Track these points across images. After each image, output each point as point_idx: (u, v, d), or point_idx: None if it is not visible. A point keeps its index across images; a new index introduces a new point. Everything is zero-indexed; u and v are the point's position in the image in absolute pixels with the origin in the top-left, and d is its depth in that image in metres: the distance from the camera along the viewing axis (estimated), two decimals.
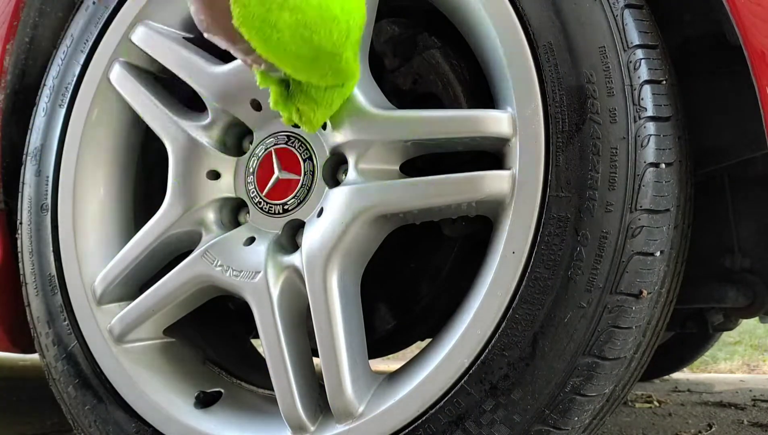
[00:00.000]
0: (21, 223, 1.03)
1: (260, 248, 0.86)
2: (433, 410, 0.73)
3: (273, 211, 0.88)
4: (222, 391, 0.96)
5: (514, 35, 0.74)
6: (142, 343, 0.96)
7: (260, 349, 0.92)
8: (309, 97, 0.74)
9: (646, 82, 0.69)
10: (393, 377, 0.81)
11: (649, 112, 0.69)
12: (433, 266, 0.99)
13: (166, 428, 0.89)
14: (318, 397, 0.83)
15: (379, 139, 0.78)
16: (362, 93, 0.80)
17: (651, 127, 0.68)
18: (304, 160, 0.86)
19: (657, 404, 1.94)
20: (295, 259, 0.83)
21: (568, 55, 0.71)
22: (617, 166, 0.68)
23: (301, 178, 0.86)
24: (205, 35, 0.68)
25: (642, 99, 0.69)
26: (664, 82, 0.70)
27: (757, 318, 1.25)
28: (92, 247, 0.99)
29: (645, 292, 0.68)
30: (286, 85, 0.75)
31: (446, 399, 0.73)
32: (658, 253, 0.69)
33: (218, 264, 0.87)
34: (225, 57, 0.94)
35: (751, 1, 0.68)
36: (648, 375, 2.36)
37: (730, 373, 3.15)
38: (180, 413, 0.90)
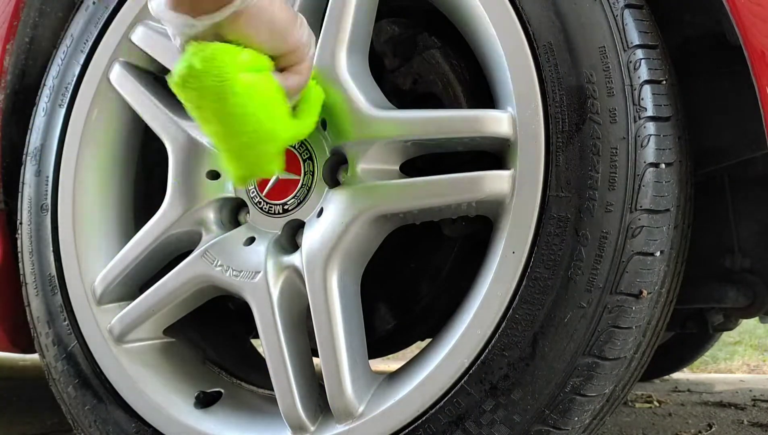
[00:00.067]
0: (21, 223, 1.03)
1: (260, 248, 0.86)
2: (433, 410, 0.73)
3: (273, 211, 0.88)
4: (222, 391, 0.96)
5: (514, 35, 0.74)
6: (142, 343, 0.96)
7: (260, 349, 0.92)
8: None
9: (646, 82, 0.69)
10: (393, 377, 0.81)
11: (649, 112, 0.69)
12: (433, 266, 0.99)
13: (166, 428, 0.89)
14: (318, 397, 0.83)
15: (379, 139, 0.78)
16: (362, 93, 0.80)
17: (651, 127, 0.68)
18: (304, 161, 0.86)
19: (657, 404, 1.94)
20: (295, 259, 0.83)
21: (568, 55, 0.71)
22: (617, 166, 0.68)
23: (301, 178, 0.86)
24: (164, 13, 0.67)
25: (642, 99, 0.69)
26: (664, 82, 0.70)
27: (757, 318, 1.25)
28: (92, 247, 0.99)
29: (645, 292, 0.68)
30: None
31: (446, 399, 0.73)
32: (658, 253, 0.69)
33: (218, 264, 0.87)
34: None
35: (751, 1, 0.68)
36: (648, 375, 2.36)
37: (730, 373, 3.15)
38: (180, 413, 0.90)
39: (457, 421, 0.72)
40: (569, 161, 0.70)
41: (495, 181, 0.73)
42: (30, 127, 1.05)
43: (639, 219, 0.68)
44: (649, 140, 0.68)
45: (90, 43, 1.01)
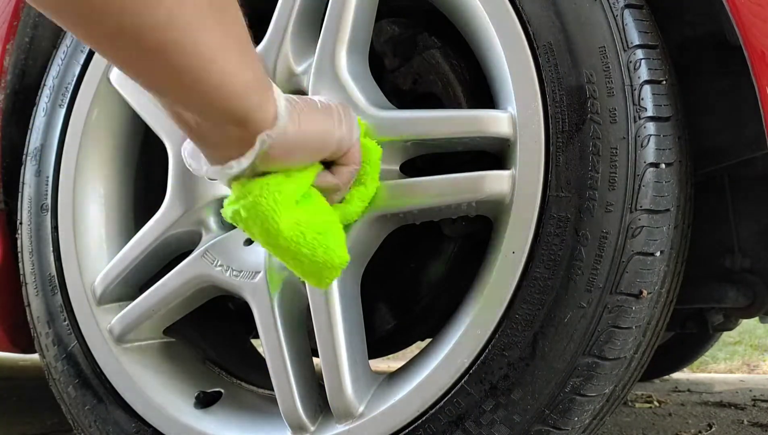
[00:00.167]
0: (21, 223, 1.03)
1: (260, 248, 0.86)
2: (433, 410, 0.73)
3: None
4: (222, 391, 0.96)
5: (514, 35, 0.74)
6: (142, 343, 0.96)
7: (260, 349, 0.92)
8: None
9: (646, 82, 0.69)
10: (393, 377, 0.81)
11: (649, 112, 0.69)
12: (433, 266, 0.99)
13: (166, 428, 0.89)
14: (318, 397, 0.83)
15: (379, 139, 0.78)
16: (362, 93, 0.80)
17: (651, 127, 0.68)
18: None
19: (657, 404, 1.94)
20: None
21: (568, 55, 0.71)
22: (617, 166, 0.68)
23: None
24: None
25: (642, 99, 0.69)
26: (664, 82, 0.70)
27: (757, 318, 1.25)
28: (92, 247, 0.99)
29: (645, 292, 0.68)
30: None
31: (446, 399, 0.73)
32: (658, 253, 0.69)
33: (218, 264, 0.87)
34: None
35: (751, 1, 0.68)
36: (648, 375, 2.36)
37: (730, 373, 3.15)
38: (180, 413, 0.90)
39: (457, 421, 0.72)
40: (569, 161, 0.70)
41: (495, 181, 0.73)
42: (30, 127, 1.05)
43: (639, 219, 0.68)
44: (649, 140, 0.68)
45: None
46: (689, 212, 0.76)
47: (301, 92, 0.86)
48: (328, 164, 0.70)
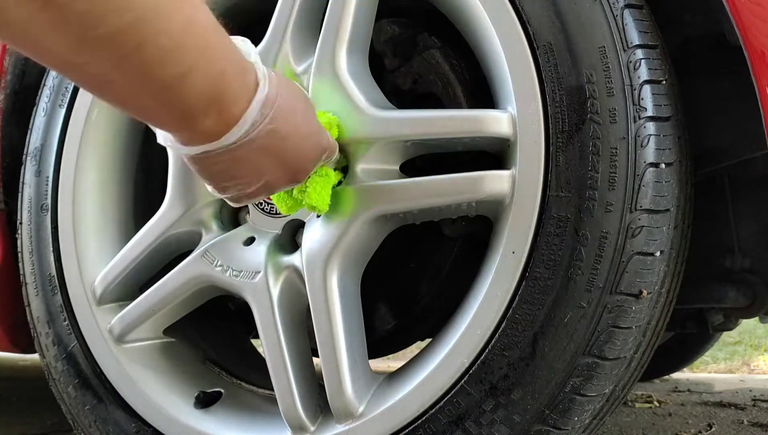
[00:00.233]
0: (21, 223, 1.03)
1: (260, 248, 0.86)
2: (433, 410, 0.73)
3: (273, 211, 0.88)
4: (222, 391, 0.96)
5: (514, 35, 0.74)
6: (142, 343, 0.96)
7: (260, 349, 0.92)
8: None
9: (646, 82, 0.69)
10: (393, 377, 0.81)
11: (649, 112, 0.69)
12: (433, 266, 0.99)
13: (166, 428, 0.89)
14: (318, 397, 0.83)
15: (379, 139, 0.78)
16: (362, 93, 0.80)
17: (651, 127, 0.68)
18: None
19: (657, 404, 1.94)
20: (295, 259, 0.83)
21: (568, 55, 0.71)
22: (617, 166, 0.68)
23: None
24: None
25: (642, 99, 0.69)
26: (664, 82, 0.70)
27: (757, 318, 1.25)
28: (92, 247, 0.99)
29: (645, 292, 0.68)
30: None
31: (446, 399, 0.73)
32: (658, 253, 0.69)
33: (218, 264, 0.87)
34: None
35: (751, 1, 0.68)
36: (648, 375, 2.36)
37: (730, 373, 3.15)
38: (180, 413, 0.90)
39: (457, 421, 0.72)
40: (569, 161, 0.70)
41: (495, 181, 0.73)
42: (30, 127, 1.05)
43: (639, 219, 0.68)
44: (649, 140, 0.68)
45: None
46: (689, 212, 0.76)
47: None
48: None
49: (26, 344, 1.07)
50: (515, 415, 0.70)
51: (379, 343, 1.03)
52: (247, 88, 0.57)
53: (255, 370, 1.02)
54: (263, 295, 0.83)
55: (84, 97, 1.01)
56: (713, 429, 1.56)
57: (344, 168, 0.83)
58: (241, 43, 0.59)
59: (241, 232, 0.89)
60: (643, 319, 0.70)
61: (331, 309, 0.78)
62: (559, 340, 0.69)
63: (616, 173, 0.68)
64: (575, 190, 0.69)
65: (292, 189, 0.74)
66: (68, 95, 1.01)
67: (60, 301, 0.98)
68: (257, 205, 0.89)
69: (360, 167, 0.79)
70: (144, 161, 1.07)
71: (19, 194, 1.04)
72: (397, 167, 0.81)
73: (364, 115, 0.79)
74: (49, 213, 1.00)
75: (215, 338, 1.04)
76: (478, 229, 0.88)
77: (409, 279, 1.01)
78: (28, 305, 1.01)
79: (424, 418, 0.74)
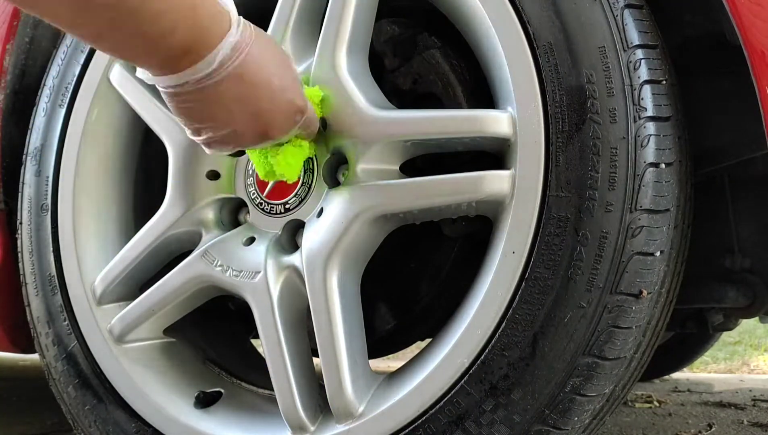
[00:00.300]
0: (21, 223, 1.03)
1: (260, 248, 0.86)
2: (433, 410, 0.73)
3: (273, 211, 0.88)
4: (222, 391, 0.96)
5: (514, 35, 0.74)
6: (142, 343, 0.96)
7: (260, 349, 0.92)
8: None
9: (646, 82, 0.69)
10: (393, 377, 0.81)
11: (649, 112, 0.69)
12: (433, 266, 0.99)
13: (166, 428, 0.89)
14: (318, 397, 0.83)
15: (379, 139, 0.78)
16: (362, 93, 0.80)
17: (651, 127, 0.68)
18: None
19: (657, 404, 1.94)
20: (295, 259, 0.83)
21: (568, 55, 0.71)
22: (617, 166, 0.68)
23: (302, 176, 0.86)
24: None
25: (642, 99, 0.69)
26: (664, 82, 0.70)
27: (757, 318, 1.25)
28: (92, 247, 0.99)
29: (645, 292, 0.68)
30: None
31: (446, 399, 0.73)
32: (658, 253, 0.69)
33: (218, 264, 0.87)
34: None
35: (751, 1, 0.68)
36: (648, 375, 2.36)
37: (730, 373, 3.15)
38: (180, 413, 0.90)
39: (457, 421, 0.72)
40: (569, 161, 0.70)
41: (495, 181, 0.73)
42: (30, 127, 1.05)
43: (639, 219, 0.68)
44: (649, 140, 0.68)
45: None
46: (689, 212, 0.76)
47: None
48: None
49: (26, 344, 1.07)
50: (515, 415, 0.70)
51: (379, 343, 1.03)
52: (220, 31, 0.61)
53: (255, 370, 1.03)
54: (263, 295, 0.83)
55: (84, 97, 1.01)
56: (713, 429, 1.56)
57: (342, 166, 0.83)
58: None
59: (241, 232, 0.89)
60: (643, 319, 0.70)
61: (331, 309, 0.78)
62: (559, 340, 0.69)
63: (616, 173, 0.68)
64: (575, 190, 0.69)
65: (267, 153, 0.76)
66: (68, 95, 1.02)
67: (60, 301, 0.98)
68: (257, 205, 0.89)
69: (360, 167, 0.79)
70: (144, 161, 1.07)
71: (19, 194, 1.04)
72: (397, 167, 0.81)
73: (364, 115, 0.79)
74: (49, 213, 1.00)
75: (215, 338, 1.04)
76: (478, 229, 0.88)
77: (409, 279, 1.01)
78: (28, 305, 1.01)
79: (424, 418, 0.74)
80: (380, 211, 0.78)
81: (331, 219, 0.80)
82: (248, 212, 0.91)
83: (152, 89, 0.97)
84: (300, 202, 0.86)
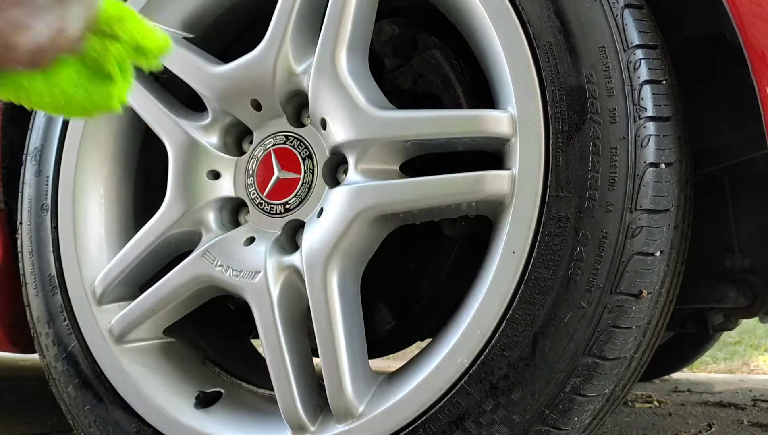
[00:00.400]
0: (21, 223, 1.03)
1: (260, 248, 0.86)
2: (433, 410, 0.73)
3: (273, 211, 0.88)
4: (222, 391, 0.96)
5: (514, 35, 0.74)
6: (142, 343, 0.96)
7: (260, 349, 0.92)
8: None
9: (646, 82, 0.69)
10: (393, 377, 0.81)
11: (649, 112, 0.69)
12: (433, 266, 0.99)
13: (166, 428, 0.89)
14: (318, 397, 0.83)
15: (379, 139, 0.78)
16: (362, 93, 0.80)
17: (651, 127, 0.68)
18: (304, 159, 0.86)
19: (657, 404, 1.94)
20: (295, 259, 0.83)
21: (568, 55, 0.71)
22: (617, 166, 0.68)
23: (302, 176, 0.86)
24: None
25: (642, 99, 0.69)
26: (664, 82, 0.70)
27: (757, 318, 1.25)
28: (92, 247, 0.99)
29: (645, 292, 0.68)
30: None
31: (446, 399, 0.73)
32: (658, 253, 0.69)
33: (218, 264, 0.87)
34: (225, 57, 0.94)
35: (751, 1, 0.68)
36: (648, 375, 2.36)
37: (730, 373, 3.15)
38: (180, 413, 0.90)
39: (457, 421, 0.72)
40: (569, 161, 0.70)
41: (495, 181, 0.73)
42: (30, 127, 1.05)
43: (639, 219, 0.68)
44: (649, 140, 0.68)
45: None
46: (689, 212, 0.76)
47: (302, 92, 0.86)
48: None
49: (26, 344, 1.07)
50: (515, 415, 0.70)
51: (379, 343, 1.03)
52: None
53: (255, 370, 1.03)
54: (263, 295, 0.83)
55: None
56: (713, 429, 1.56)
57: (342, 166, 0.83)
58: None
59: (241, 232, 0.89)
60: (643, 319, 0.70)
61: (331, 309, 0.78)
62: (559, 340, 0.69)
63: (616, 173, 0.68)
64: (575, 190, 0.69)
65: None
66: None
67: (60, 301, 0.98)
68: (257, 205, 0.89)
69: (360, 167, 0.79)
70: (144, 161, 1.07)
71: (19, 194, 1.04)
72: (397, 167, 0.81)
73: (364, 115, 0.79)
74: (49, 213, 1.00)
75: (215, 338, 1.04)
76: (478, 229, 0.88)
77: (409, 279, 1.01)
78: (28, 305, 1.01)
79: (424, 418, 0.74)
80: (380, 211, 0.78)
81: (331, 219, 0.80)
82: (248, 212, 0.91)
83: (152, 89, 0.97)
84: (300, 202, 0.86)
